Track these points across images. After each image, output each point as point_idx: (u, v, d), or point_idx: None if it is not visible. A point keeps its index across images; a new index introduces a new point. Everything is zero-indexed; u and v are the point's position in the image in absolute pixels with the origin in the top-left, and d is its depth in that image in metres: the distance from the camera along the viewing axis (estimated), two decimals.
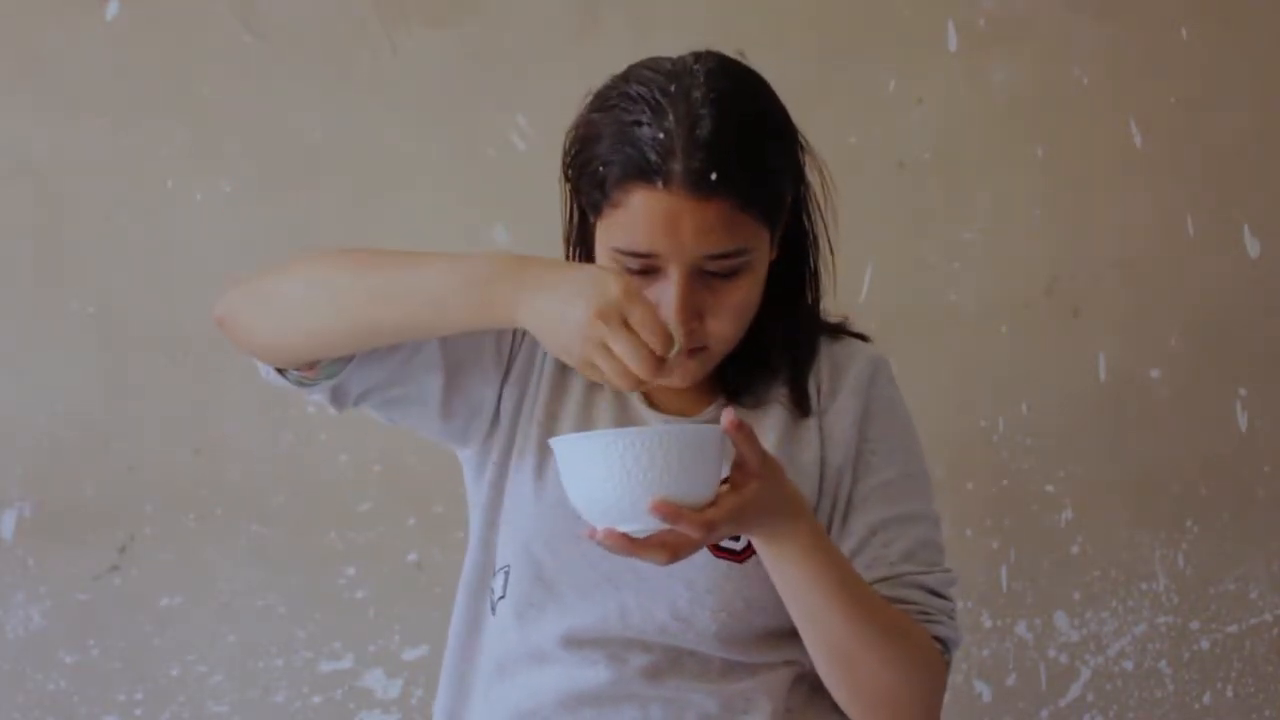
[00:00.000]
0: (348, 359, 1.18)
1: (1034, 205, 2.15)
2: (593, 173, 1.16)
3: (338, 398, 1.21)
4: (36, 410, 1.99)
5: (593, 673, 1.18)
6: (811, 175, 1.27)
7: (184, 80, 2.04)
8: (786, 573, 1.13)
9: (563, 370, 1.27)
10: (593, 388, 1.26)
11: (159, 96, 2.04)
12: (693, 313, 1.15)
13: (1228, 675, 2.15)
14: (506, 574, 1.23)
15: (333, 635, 2.00)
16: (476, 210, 2.06)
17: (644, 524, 1.02)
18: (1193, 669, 2.15)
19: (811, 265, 1.29)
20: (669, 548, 1.04)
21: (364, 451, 2.02)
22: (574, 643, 1.19)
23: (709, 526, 1.03)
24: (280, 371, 1.20)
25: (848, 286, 2.06)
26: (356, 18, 2.06)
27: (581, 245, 1.27)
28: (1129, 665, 2.14)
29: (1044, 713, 2.12)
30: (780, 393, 1.25)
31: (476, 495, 1.29)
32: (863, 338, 1.31)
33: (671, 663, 1.19)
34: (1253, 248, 2.19)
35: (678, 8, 2.06)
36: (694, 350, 1.17)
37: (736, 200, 1.13)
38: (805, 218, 1.27)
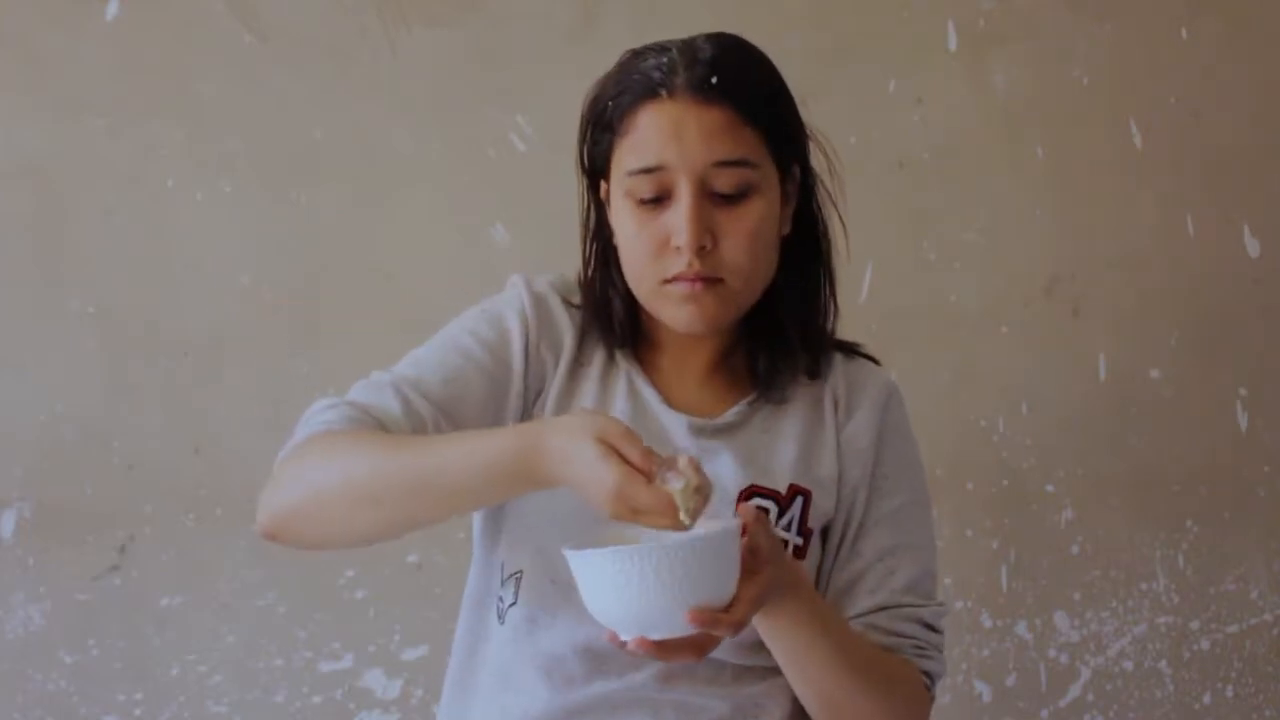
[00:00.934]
0: None
1: (1034, 205, 2.15)
2: (602, 113, 1.22)
3: None
4: (36, 410, 1.99)
5: (602, 680, 1.18)
6: (818, 164, 1.31)
7: (184, 80, 2.04)
8: (781, 640, 1.17)
9: (571, 378, 1.27)
10: (603, 393, 1.27)
11: (159, 96, 2.04)
12: (704, 229, 1.18)
13: (1228, 675, 2.15)
14: (518, 580, 1.23)
15: (333, 635, 2.00)
16: (476, 210, 2.06)
17: (676, 631, 1.04)
18: (1193, 669, 2.15)
19: (824, 254, 1.31)
20: (697, 647, 1.07)
21: None
22: (590, 650, 1.19)
23: (738, 626, 1.05)
24: None
25: (848, 286, 2.06)
26: (356, 18, 2.06)
27: (599, 240, 1.29)
28: (1129, 665, 2.13)
29: (1044, 713, 2.12)
30: (801, 393, 1.27)
31: (489, 510, 1.29)
32: (875, 361, 1.34)
33: (685, 668, 1.19)
34: (1253, 248, 2.19)
35: (678, 8, 2.06)
36: (710, 282, 1.19)
37: (738, 109, 1.19)
38: (815, 206, 1.31)
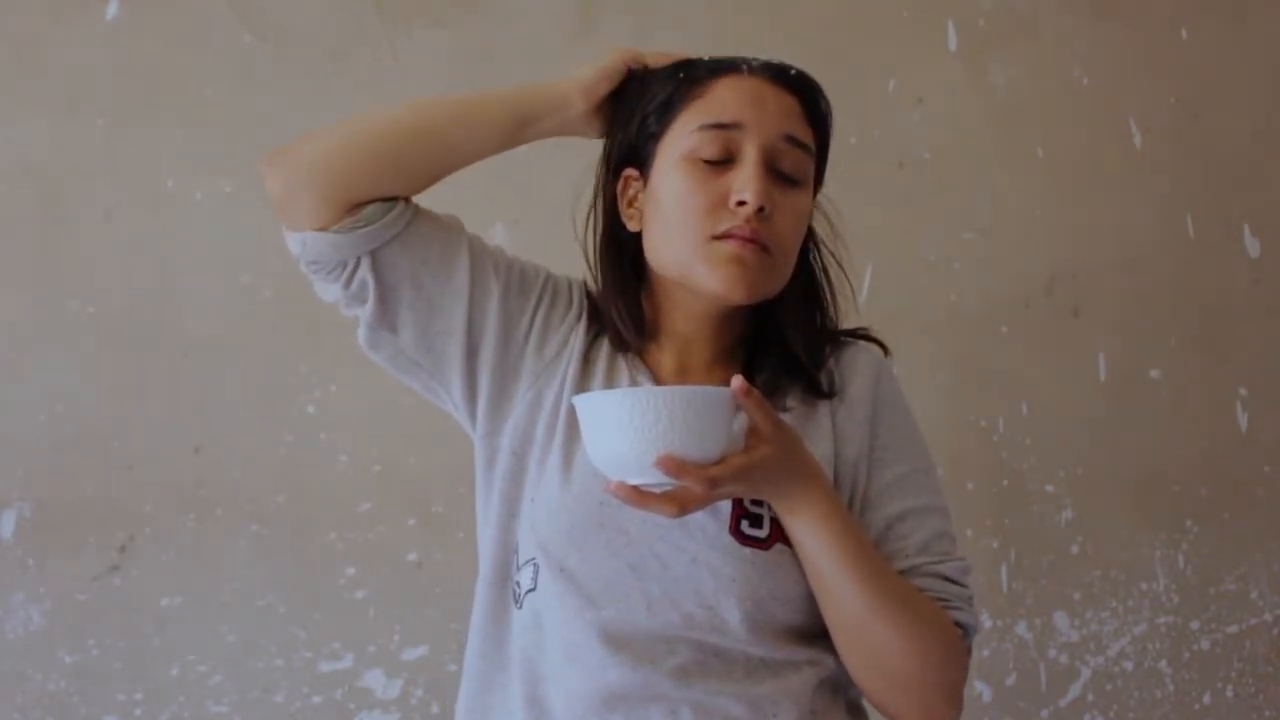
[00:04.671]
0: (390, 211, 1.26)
1: (1034, 205, 2.15)
2: (667, 89, 1.26)
3: (379, 272, 1.26)
4: (36, 410, 1.99)
5: (618, 673, 1.18)
6: (818, 224, 1.35)
7: (184, 80, 2.04)
8: (803, 540, 1.18)
9: (586, 366, 1.29)
10: (609, 385, 1.28)
11: (159, 96, 2.04)
12: (767, 192, 1.22)
13: (1228, 675, 2.15)
14: (536, 567, 1.23)
15: (333, 635, 2.00)
16: (476, 210, 2.05)
17: (652, 478, 1.08)
18: (1193, 669, 2.15)
19: (825, 289, 1.35)
20: (677, 501, 1.09)
21: (364, 451, 2.02)
22: (601, 639, 1.19)
23: (713, 482, 1.08)
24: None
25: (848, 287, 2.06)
26: (356, 18, 2.06)
27: (610, 233, 1.32)
28: (1129, 665, 2.14)
29: (1044, 713, 2.12)
30: (796, 388, 1.27)
31: (490, 485, 1.30)
32: (867, 337, 1.35)
33: (699, 665, 1.19)
34: (1253, 248, 2.19)
35: (678, 8, 2.06)
36: (759, 248, 1.22)
37: (805, 106, 1.27)
38: (814, 247, 1.35)
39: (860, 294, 2.10)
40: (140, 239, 2.02)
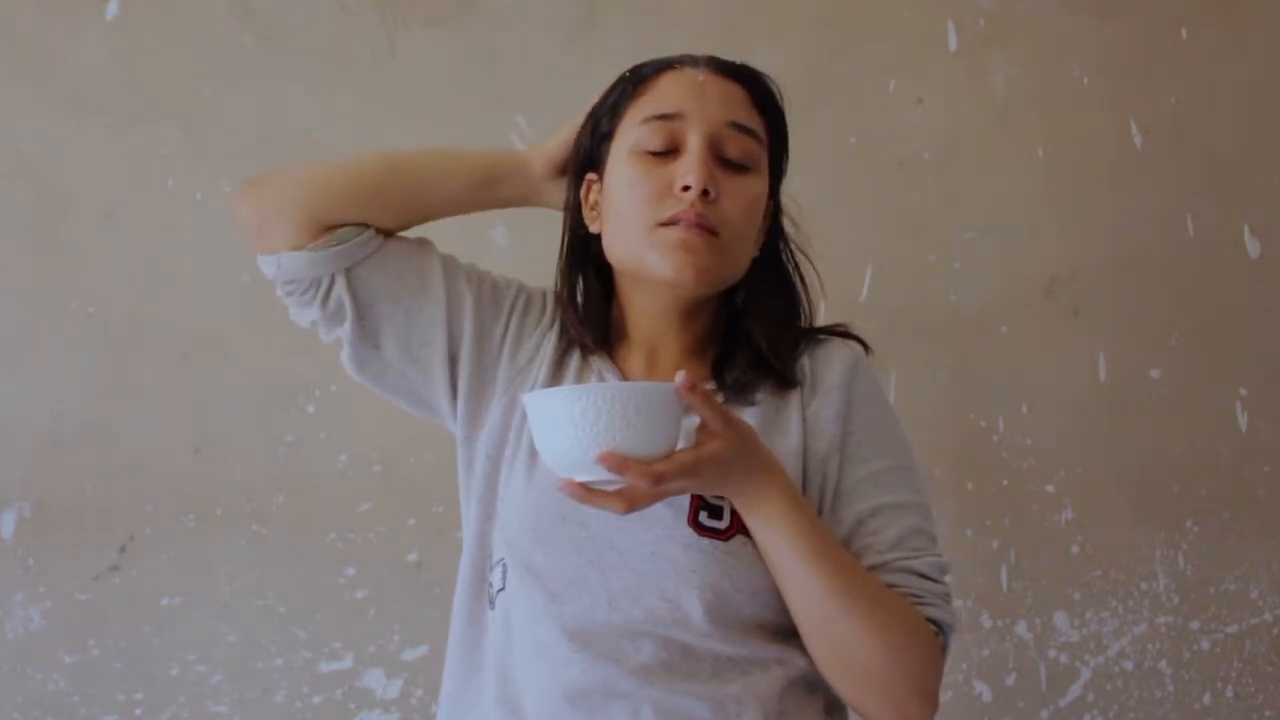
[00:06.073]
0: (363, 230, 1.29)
1: (1034, 205, 2.15)
2: (615, 92, 1.29)
3: (355, 289, 1.28)
4: (36, 410, 1.99)
5: (580, 670, 1.18)
6: (787, 225, 1.36)
7: (184, 80, 2.04)
8: (763, 535, 1.17)
9: (558, 370, 1.30)
10: (584, 382, 1.28)
11: (159, 96, 2.04)
12: (710, 175, 1.22)
13: (1228, 675, 2.15)
14: (505, 566, 1.23)
15: (333, 635, 2.00)
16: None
17: (598, 474, 1.07)
18: (1193, 669, 2.15)
19: (796, 286, 1.35)
20: (624, 498, 1.09)
21: (364, 451, 2.02)
22: (566, 635, 1.19)
23: (657, 478, 1.07)
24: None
25: (848, 286, 2.07)
26: (356, 18, 2.06)
27: (575, 236, 1.33)
28: (1129, 665, 2.14)
29: (1044, 713, 2.12)
30: (766, 384, 1.27)
31: (469, 490, 1.31)
32: (847, 334, 1.34)
33: (663, 663, 1.18)
34: (1253, 248, 2.19)
35: (677, 8, 2.06)
36: (706, 233, 1.22)
37: (751, 93, 1.27)
38: (783, 239, 1.35)
39: (860, 294, 2.10)
40: (140, 239, 2.02)
